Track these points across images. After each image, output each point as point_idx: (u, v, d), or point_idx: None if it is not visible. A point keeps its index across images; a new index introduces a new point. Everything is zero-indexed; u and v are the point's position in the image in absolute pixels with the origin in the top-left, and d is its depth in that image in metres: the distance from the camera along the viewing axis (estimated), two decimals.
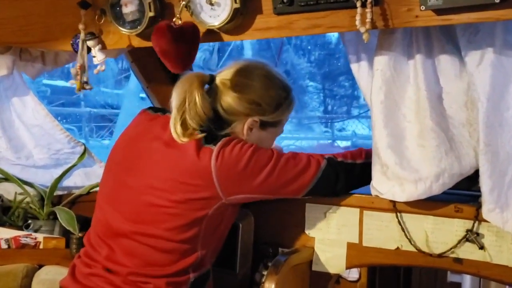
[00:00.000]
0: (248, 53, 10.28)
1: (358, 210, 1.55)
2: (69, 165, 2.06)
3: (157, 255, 1.38)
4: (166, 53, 1.40)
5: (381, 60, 1.43)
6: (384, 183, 1.43)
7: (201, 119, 1.36)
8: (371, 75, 1.46)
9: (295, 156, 1.41)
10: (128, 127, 1.54)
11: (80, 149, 2.08)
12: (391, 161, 1.40)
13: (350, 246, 1.56)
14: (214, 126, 1.40)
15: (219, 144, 1.33)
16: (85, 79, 1.55)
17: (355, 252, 1.55)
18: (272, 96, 1.43)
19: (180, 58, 1.41)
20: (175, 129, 1.35)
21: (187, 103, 1.34)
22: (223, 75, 1.44)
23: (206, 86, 1.43)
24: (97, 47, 1.52)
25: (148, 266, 1.38)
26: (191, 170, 1.34)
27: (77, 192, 2.08)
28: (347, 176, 1.48)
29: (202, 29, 1.45)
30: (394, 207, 1.48)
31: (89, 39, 1.52)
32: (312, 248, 1.61)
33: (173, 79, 1.75)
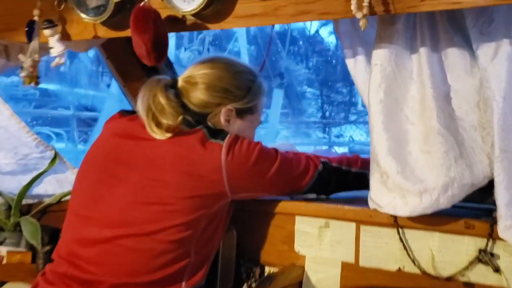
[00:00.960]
0: (244, 58, 10.12)
1: (354, 224, 1.35)
2: (39, 171, 1.86)
3: (143, 259, 1.23)
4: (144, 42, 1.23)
5: (380, 54, 1.24)
6: (384, 195, 1.23)
7: (174, 118, 1.29)
8: (369, 71, 1.27)
9: (296, 156, 1.39)
10: (106, 128, 1.41)
11: (50, 153, 1.87)
12: (391, 169, 1.20)
13: (345, 266, 1.36)
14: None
15: (227, 139, 1.27)
16: (36, 73, 1.35)
17: (351, 273, 1.35)
18: (239, 80, 1.39)
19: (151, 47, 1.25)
20: (152, 130, 1.29)
21: (153, 108, 1.29)
22: (186, 75, 1.39)
23: (172, 91, 1.35)
24: (55, 37, 1.31)
25: (132, 275, 1.23)
26: (199, 163, 1.26)
27: (47, 201, 1.88)
28: (339, 183, 1.42)
29: (175, 16, 1.25)
30: (395, 222, 1.28)
31: (46, 28, 1.31)
32: (302, 268, 1.41)
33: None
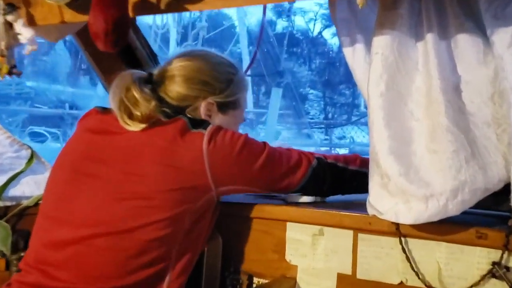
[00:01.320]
0: (245, 59, 10.00)
1: (351, 232, 1.21)
2: (15, 171, 1.72)
3: (119, 260, 1.12)
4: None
5: (381, 42, 1.10)
6: (385, 200, 1.09)
7: (149, 109, 1.19)
8: (369, 62, 1.13)
9: (287, 150, 1.28)
10: (80, 125, 1.31)
11: (26, 153, 1.73)
12: (393, 171, 1.05)
13: (341, 278, 1.22)
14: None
15: (210, 128, 1.18)
16: (13, 63, 1.22)
17: (347, 286, 1.21)
18: (219, 72, 1.31)
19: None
20: (125, 122, 1.20)
21: (126, 100, 1.19)
22: (161, 68, 1.31)
23: (148, 86, 1.25)
24: (20, 22, 1.18)
25: (106, 279, 1.12)
26: (179, 154, 1.16)
27: (24, 203, 1.74)
28: (334, 180, 1.28)
29: None
30: (397, 230, 1.13)
31: (7, 13, 1.17)
32: (294, 280, 1.27)
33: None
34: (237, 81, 1.32)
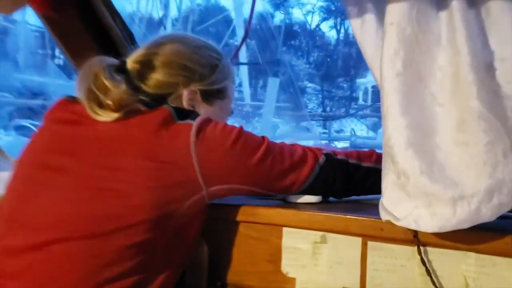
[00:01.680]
0: (243, 52, 9.78)
1: (359, 240, 1.01)
2: None
3: (88, 269, 0.93)
4: None
5: (397, 11, 0.90)
6: (402, 203, 0.89)
7: (122, 97, 1.02)
8: (381, 36, 0.93)
9: (289, 145, 1.11)
10: (46, 116, 1.12)
11: None
12: (413, 168, 0.86)
13: None
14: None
15: (199, 119, 1.02)
16: None
17: None
18: (201, 55, 1.15)
19: None
20: (95, 112, 1.02)
21: (95, 88, 1.03)
22: (137, 54, 1.14)
23: (121, 75, 1.08)
24: None
25: None
26: (162, 147, 0.99)
27: None
28: (345, 178, 1.09)
29: None
30: (415, 237, 0.94)
31: None
32: None
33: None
34: (222, 67, 1.17)
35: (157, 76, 1.09)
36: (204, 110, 1.13)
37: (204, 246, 1.13)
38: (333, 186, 1.08)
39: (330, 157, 1.08)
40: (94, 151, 1.00)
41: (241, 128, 1.04)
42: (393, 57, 0.89)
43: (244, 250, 1.12)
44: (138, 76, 1.10)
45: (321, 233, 1.05)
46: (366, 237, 1.00)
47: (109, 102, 1.01)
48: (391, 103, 0.89)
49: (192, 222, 1.03)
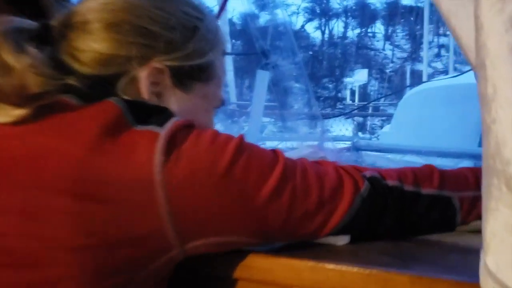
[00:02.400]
0: (228, 58, 9.33)
1: None
2: None
3: None
4: None
5: None
6: None
7: (37, 86, 0.59)
8: None
9: (314, 163, 0.68)
10: None
11: None
12: None
13: None
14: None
15: (170, 122, 0.59)
16: None
17: None
18: (170, 12, 0.70)
19: None
20: None
21: None
22: (67, 14, 0.69)
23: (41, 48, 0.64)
24: None
25: None
26: (103, 173, 0.56)
27: None
28: (400, 213, 0.68)
29: None
30: None
31: None
32: None
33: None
34: (205, 31, 0.72)
35: (95, 46, 0.66)
36: (176, 102, 0.70)
37: None
38: (379, 227, 0.67)
39: (377, 183, 0.66)
40: None
41: (240, 140, 0.61)
42: (503, 24, 0.48)
43: None
44: (66, 45, 0.67)
45: None
46: None
47: (8, 88, 0.57)
48: (500, 90, 0.48)
49: None
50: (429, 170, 0.70)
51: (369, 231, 0.67)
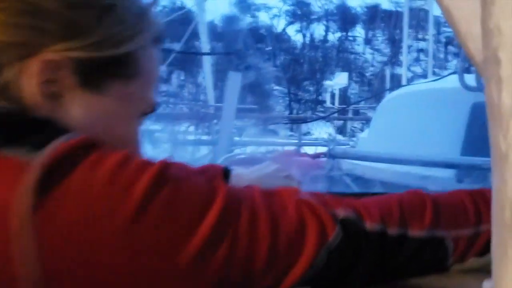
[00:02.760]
0: (208, 58, 9.17)
1: None
2: None
3: None
4: None
5: None
6: None
7: None
8: None
9: (270, 201, 0.48)
10: None
11: None
12: None
13: None
14: None
15: (48, 150, 0.40)
16: None
17: None
18: None
19: None
20: None
21: None
22: None
23: None
24: None
25: None
26: None
27: None
28: (381, 258, 0.52)
29: None
30: None
31: None
32: None
33: None
34: (126, 9, 0.53)
35: None
36: (82, 107, 0.51)
37: None
38: (347, 275, 0.51)
39: (352, 227, 0.50)
40: None
41: (160, 167, 0.44)
42: None
43: None
44: None
45: None
46: None
47: None
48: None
49: None
50: (420, 202, 0.55)
51: (340, 281, 0.52)
